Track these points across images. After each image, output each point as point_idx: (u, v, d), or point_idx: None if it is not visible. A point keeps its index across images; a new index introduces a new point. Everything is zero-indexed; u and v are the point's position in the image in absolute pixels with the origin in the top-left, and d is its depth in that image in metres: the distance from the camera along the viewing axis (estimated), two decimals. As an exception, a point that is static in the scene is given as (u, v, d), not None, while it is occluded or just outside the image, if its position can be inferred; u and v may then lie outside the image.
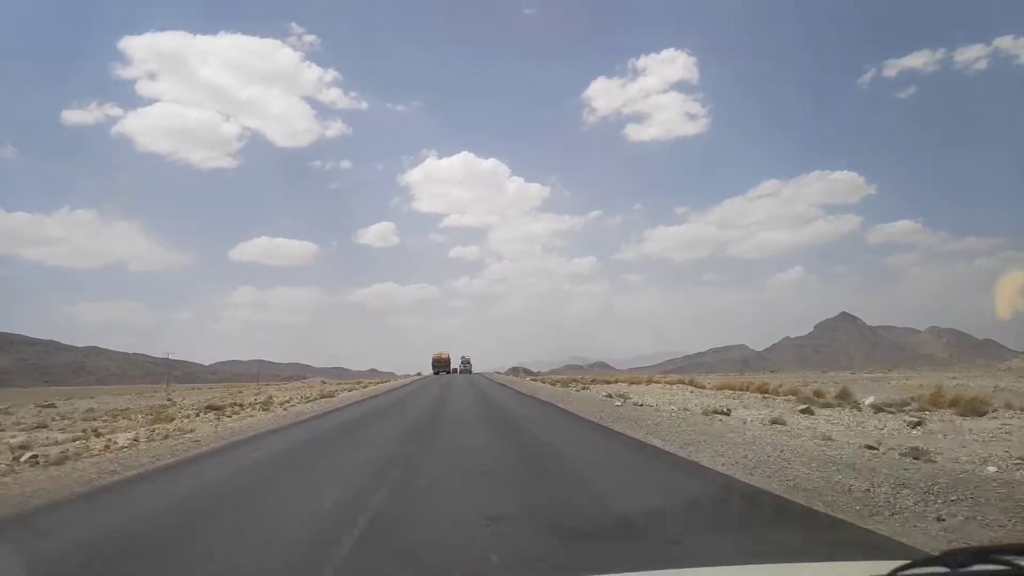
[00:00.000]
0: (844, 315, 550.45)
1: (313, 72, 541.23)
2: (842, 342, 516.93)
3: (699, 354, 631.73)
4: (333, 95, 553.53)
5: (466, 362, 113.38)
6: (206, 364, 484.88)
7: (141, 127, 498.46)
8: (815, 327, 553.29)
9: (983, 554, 1.31)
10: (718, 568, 1.60)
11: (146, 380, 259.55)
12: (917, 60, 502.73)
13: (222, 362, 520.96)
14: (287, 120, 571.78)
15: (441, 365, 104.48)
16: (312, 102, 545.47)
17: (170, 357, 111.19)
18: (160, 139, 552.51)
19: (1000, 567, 1.28)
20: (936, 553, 1.34)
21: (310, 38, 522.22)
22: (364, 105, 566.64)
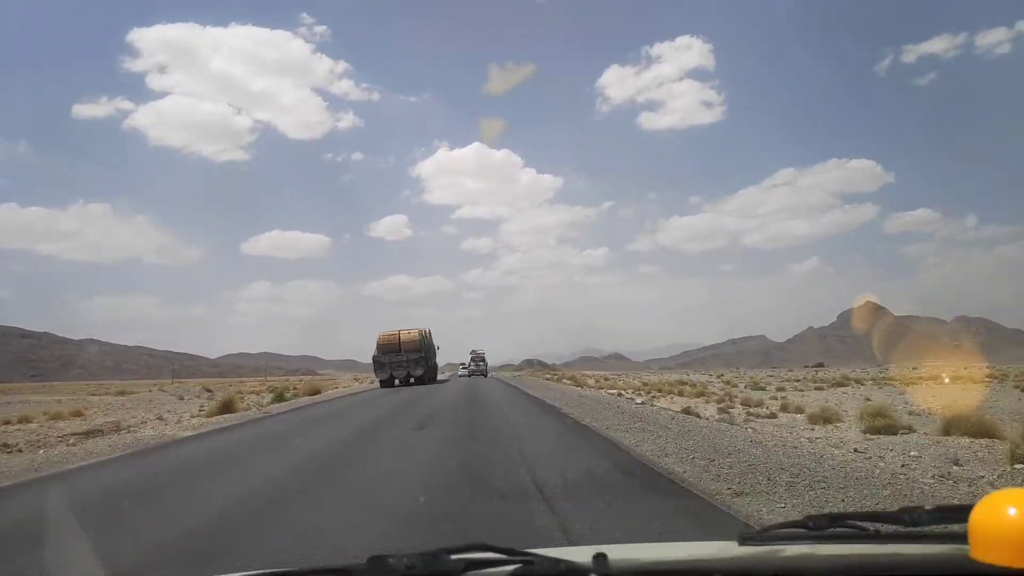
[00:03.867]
0: (869, 304, 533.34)
1: (324, 63, 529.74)
2: (867, 332, 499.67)
3: (716, 346, 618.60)
4: (344, 86, 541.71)
5: (478, 360, 74.92)
6: (212, 358, 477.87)
7: (153, 121, 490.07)
8: (838, 317, 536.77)
9: (839, 518, 1.51)
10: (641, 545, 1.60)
11: (142, 375, 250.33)
12: (937, 45, 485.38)
13: (229, 355, 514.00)
14: (298, 112, 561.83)
15: (398, 363, 41.51)
16: (323, 94, 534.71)
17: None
18: (172, 132, 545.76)
19: (850, 530, 1.46)
20: (800, 518, 1.53)
21: (320, 29, 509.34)
22: (375, 96, 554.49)
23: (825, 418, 14.01)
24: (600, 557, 1.30)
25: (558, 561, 1.30)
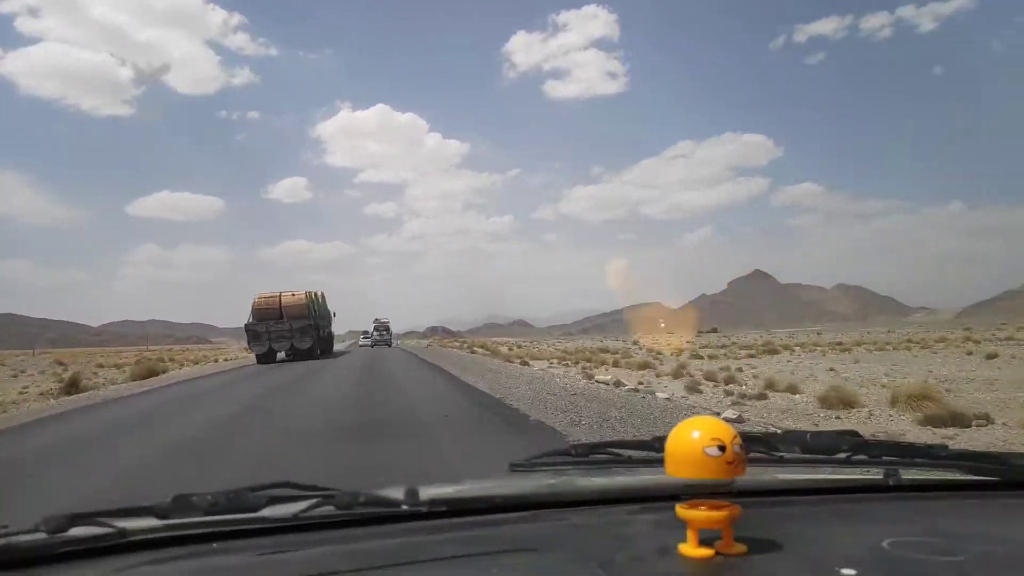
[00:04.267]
0: (757, 272, 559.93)
1: (218, 15, 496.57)
2: (755, 299, 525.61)
3: (615, 312, 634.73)
4: (240, 40, 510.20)
5: (382, 329, 73.58)
6: (94, 326, 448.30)
7: (24, 68, 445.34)
8: (729, 284, 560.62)
9: (599, 447, 1.54)
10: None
11: (12, 344, 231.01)
12: (826, 26, 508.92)
13: (113, 323, 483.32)
14: (190, 66, 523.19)
15: (278, 333, 33.59)
16: (217, 47, 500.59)
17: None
18: (46, 82, 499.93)
19: (608, 456, 1.51)
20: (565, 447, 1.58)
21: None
22: (273, 52, 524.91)
23: (844, 401, 11.62)
24: (411, 491, 1.31)
25: (357, 494, 1.29)
